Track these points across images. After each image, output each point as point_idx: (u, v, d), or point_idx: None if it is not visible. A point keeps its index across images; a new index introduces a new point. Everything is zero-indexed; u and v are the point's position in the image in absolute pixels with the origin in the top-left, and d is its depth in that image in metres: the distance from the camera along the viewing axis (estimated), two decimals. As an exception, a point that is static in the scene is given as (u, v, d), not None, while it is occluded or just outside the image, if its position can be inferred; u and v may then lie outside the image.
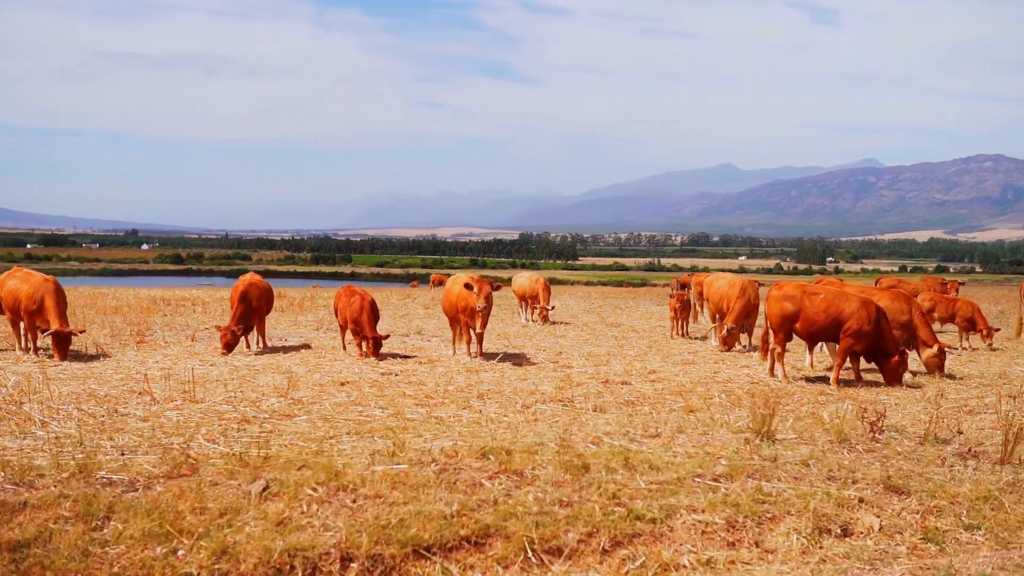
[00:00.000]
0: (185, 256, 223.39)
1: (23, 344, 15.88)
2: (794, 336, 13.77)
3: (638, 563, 5.11)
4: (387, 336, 16.44)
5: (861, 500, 6.09)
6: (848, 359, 13.45)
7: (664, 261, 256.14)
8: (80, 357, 15.17)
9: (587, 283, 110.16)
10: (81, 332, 15.66)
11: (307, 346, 17.77)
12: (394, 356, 16.17)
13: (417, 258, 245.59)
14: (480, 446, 6.83)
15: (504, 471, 6.26)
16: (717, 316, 18.81)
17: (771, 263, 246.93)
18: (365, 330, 16.02)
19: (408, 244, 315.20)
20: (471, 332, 16.10)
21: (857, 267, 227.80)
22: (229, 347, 16.15)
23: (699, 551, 5.31)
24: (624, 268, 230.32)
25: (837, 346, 13.61)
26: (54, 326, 14.99)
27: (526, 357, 16.16)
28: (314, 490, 5.74)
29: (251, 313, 16.96)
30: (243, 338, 17.04)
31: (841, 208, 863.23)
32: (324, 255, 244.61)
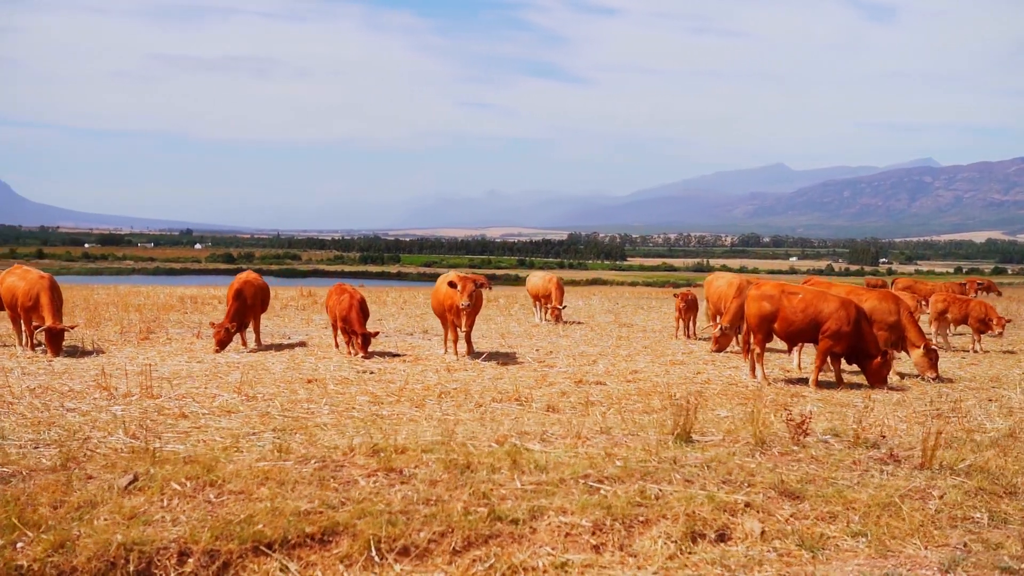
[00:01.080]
0: (236, 256, 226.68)
1: (23, 340, 16.19)
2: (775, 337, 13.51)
3: (487, 564, 4.99)
4: (376, 333, 16.48)
5: (748, 504, 5.88)
6: (830, 361, 13.14)
7: (713, 262, 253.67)
8: (74, 353, 15.44)
9: (632, 283, 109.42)
10: (72, 328, 15.95)
11: (304, 344, 17.89)
12: (383, 354, 16.20)
13: (465, 258, 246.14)
14: (373, 443, 6.77)
15: (384, 469, 6.20)
16: (717, 316, 18.52)
17: (823, 264, 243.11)
18: (353, 327, 16.09)
19: (456, 244, 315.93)
20: (458, 330, 16.06)
21: (911, 268, 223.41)
22: (222, 344, 16.30)
23: (557, 554, 5.17)
24: (672, 269, 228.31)
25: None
26: (47, 322, 15.28)
27: (514, 356, 16.06)
28: (182, 485, 5.73)
29: (246, 311, 17.13)
30: (240, 335, 17.23)
31: (896, 209, 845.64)
32: (373, 255, 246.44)
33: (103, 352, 15.77)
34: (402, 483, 5.97)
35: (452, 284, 15.56)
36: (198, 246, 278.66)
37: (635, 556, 5.22)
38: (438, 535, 5.19)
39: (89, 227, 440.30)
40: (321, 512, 5.32)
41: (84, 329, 19.62)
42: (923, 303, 20.41)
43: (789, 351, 14.50)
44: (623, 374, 13.95)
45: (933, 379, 13.68)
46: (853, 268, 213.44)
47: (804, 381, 13.33)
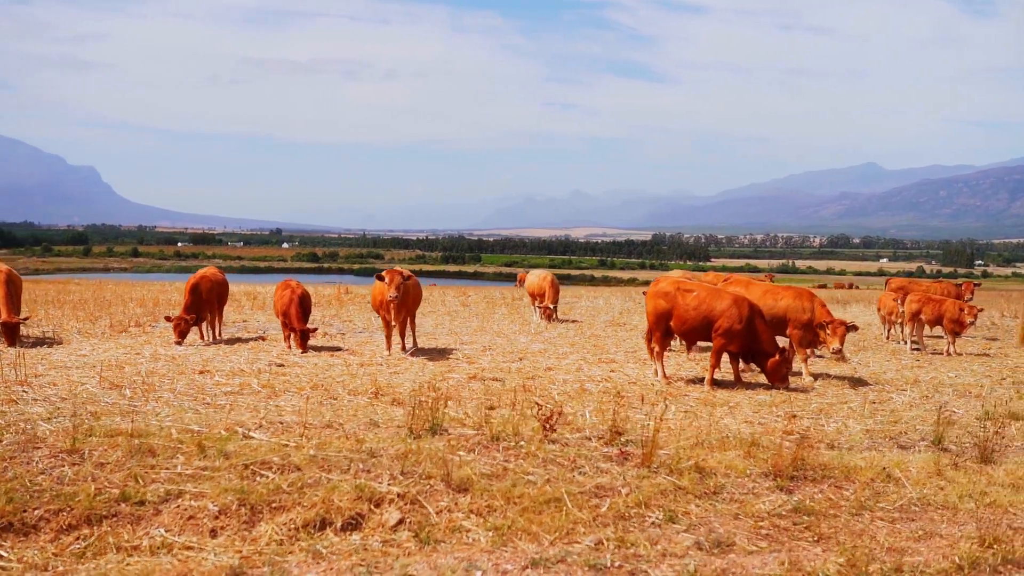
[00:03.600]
0: (320, 255, 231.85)
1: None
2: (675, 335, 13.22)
3: (87, 542, 5.13)
4: (314, 329, 16.72)
5: (401, 495, 5.84)
6: (729, 360, 12.80)
7: (799, 263, 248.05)
8: (35, 343, 16.09)
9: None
10: (25, 319, 16.68)
11: (263, 338, 18.28)
12: (325, 348, 16.43)
13: (546, 258, 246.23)
14: (88, 427, 6.99)
15: (70, 451, 6.41)
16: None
17: (913, 266, 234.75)
18: (292, 322, 16.39)
19: (538, 244, 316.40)
20: (396, 325, 16.19)
21: (1008, 271, 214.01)
22: (182, 335, 16.76)
23: (169, 536, 5.27)
24: (755, 270, 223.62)
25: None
26: (3, 316, 16.01)
27: (447, 352, 16.13)
28: None
29: (201, 304, 17.60)
30: (198, 328, 17.73)
31: (994, 209, 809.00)
32: (455, 254, 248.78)
33: (60, 343, 16.41)
34: (72, 464, 6.18)
35: (380, 277, 15.74)
36: (286, 245, 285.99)
37: (245, 541, 5.28)
38: (53, 513, 5.35)
39: (184, 226, 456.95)
40: (-50, 490, 5.56)
41: (77, 322, 20.49)
42: (901, 303, 19.68)
43: (688, 350, 14.13)
44: (533, 372, 13.83)
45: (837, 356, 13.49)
46: (946, 270, 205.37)
47: (720, 383, 12.97)
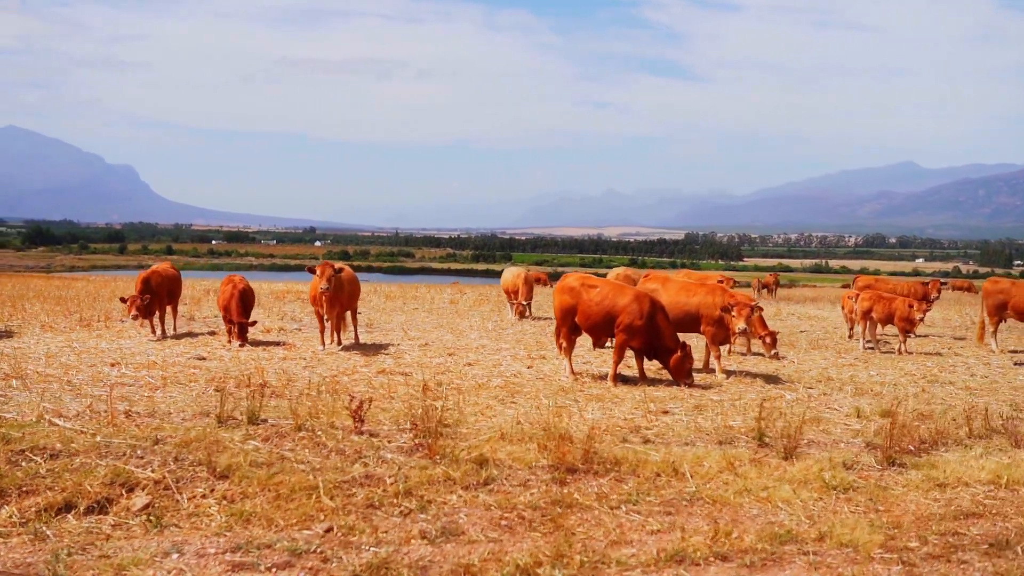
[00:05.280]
0: (352, 253, 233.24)
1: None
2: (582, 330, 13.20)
3: None
4: (253, 323, 16.94)
5: (157, 481, 5.99)
6: (635, 357, 12.79)
7: (833, 263, 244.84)
8: (-6, 336, 16.55)
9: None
10: (-28, 313, 17.13)
11: (213, 333, 18.52)
12: (261, 343, 16.59)
13: (576, 257, 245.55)
14: None
15: None
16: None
17: (950, 266, 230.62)
18: (232, 315, 16.63)
19: (570, 243, 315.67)
20: (331, 320, 16.32)
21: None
22: (139, 309, 16.95)
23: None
24: (788, 270, 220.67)
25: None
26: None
27: (377, 348, 16.23)
28: None
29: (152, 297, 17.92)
30: (149, 322, 18.01)
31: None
32: (485, 253, 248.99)
33: (9, 336, 16.77)
34: None
35: (312, 270, 15.87)
36: (318, 244, 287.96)
37: (-18, 524, 5.45)
38: None
39: (220, 225, 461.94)
40: None
41: (47, 317, 20.92)
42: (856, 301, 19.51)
43: (594, 346, 14.04)
44: (450, 367, 13.89)
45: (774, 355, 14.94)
46: (983, 271, 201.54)
47: (625, 380, 12.94)
